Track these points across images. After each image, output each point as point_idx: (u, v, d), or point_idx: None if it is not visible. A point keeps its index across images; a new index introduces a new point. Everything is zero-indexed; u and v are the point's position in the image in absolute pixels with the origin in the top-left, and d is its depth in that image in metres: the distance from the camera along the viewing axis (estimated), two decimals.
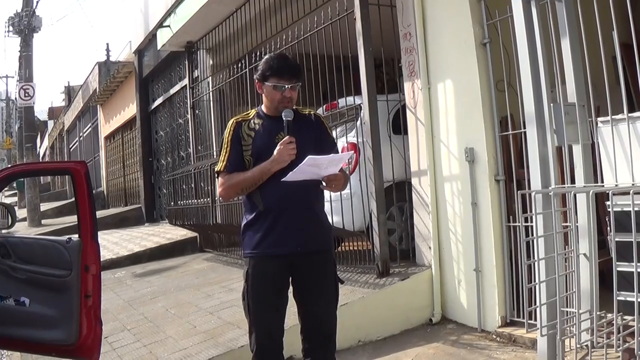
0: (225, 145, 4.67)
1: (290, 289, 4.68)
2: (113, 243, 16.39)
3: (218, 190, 4.73)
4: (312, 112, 4.91)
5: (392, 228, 8.66)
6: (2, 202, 15.59)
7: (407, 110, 8.21)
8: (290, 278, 4.64)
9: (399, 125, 8.69)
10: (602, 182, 5.34)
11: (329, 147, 4.74)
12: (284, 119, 4.51)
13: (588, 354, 5.36)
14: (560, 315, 5.22)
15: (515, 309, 6.88)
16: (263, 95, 4.71)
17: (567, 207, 5.51)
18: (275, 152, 4.43)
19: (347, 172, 4.80)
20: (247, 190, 4.57)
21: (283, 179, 4.32)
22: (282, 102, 4.59)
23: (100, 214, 21.88)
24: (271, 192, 4.51)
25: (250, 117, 4.76)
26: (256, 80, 4.73)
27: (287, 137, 4.44)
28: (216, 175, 4.78)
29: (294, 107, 4.62)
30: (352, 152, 8.01)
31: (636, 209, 4.63)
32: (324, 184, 4.52)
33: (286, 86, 4.56)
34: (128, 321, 8.52)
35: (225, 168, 4.63)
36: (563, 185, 5.57)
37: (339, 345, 4.84)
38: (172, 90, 17.98)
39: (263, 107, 4.76)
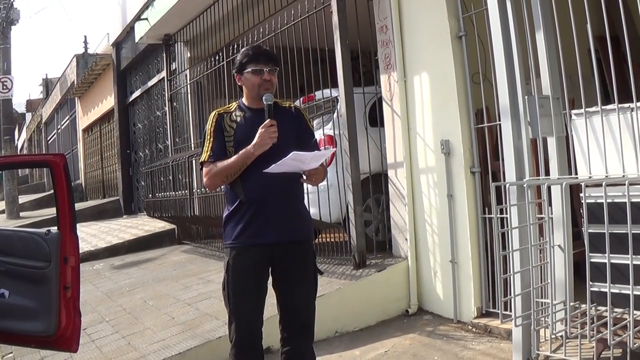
0: (208, 137, 4.70)
1: (270, 279, 4.72)
2: (91, 235, 16.35)
3: (203, 180, 4.74)
4: (292, 105, 4.97)
5: (368, 220, 8.72)
6: None
7: (384, 103, 8.25)
8: (270, 268, 4.69)
9: (375, 118, 8.74)
10: (577, 174, 5.39)
11: (309, 138, 4.80)
12: (264, 102, 4.54)
13: (562, 344, 5.41)
14: (534, 306, 5.27)
15: (491, 300, 6.94)
16: (244, 86, 4.76)
17: (542, 199, 5.56)
18: (257, 135, 4.46)
19: (324, 164, 4.84)
20: (231, 177, 4.59)
21: (265, 170, 4.35)
22: (262, 86, 4.63)
23: (78, 206, 21.64)
24: (253, 182, 4.55)
25: (232, 109, 4.80)
26: (235, 74, 4.79)
27: (268, 120, 4.48)
28: (200, 166, 4.80)
29: (273, 101, 4.63)
30: (335, 148, 8.03)
31: (609, 200, 4.69)
32: (304, 177, 4.57)
33: (265, 69, 4.62)
34: (107, 313, 8.52)
35: (209, 158, 4.66)
36: (537, 177, 5.62)
37: (316, 336, 4.86)
38: (150, 83, 17.97)
39: (244, 100, 4.82)
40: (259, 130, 4.46)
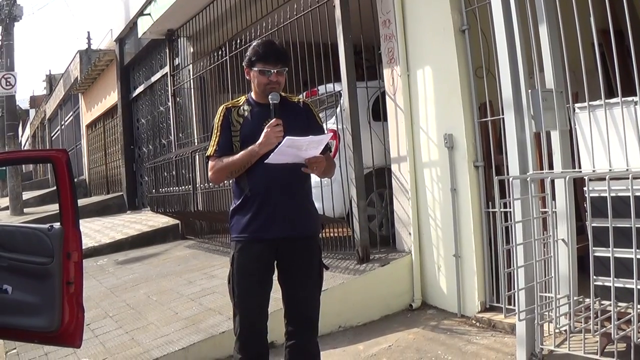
0: (216, 131, 4.72)
1: (275, 273, 4.72)
2: (95, 231, 16.36)
3: (208, 174, 4.76)
4: (300, 100, 4.97)
5: (372, 214, 8.69)
6: None
7: (387, 97, 8.23)
8: (276, 262, 4.68)
9: (378, 112, 8.70)
10: (580, 167, 5.37)
11: (317, 133, 4.74)
12: (270, 102, 4.54)
13: (566, 339, 5.39)
14: (538, 300, 5.25)
15: (495, 294, 6.92)
16: (252, 81, 4.76)
17: (545, 192, 5.54)
18: (262, 135, 4.45)
19: (330, 154, 4.84)
20: (236, 174, 4.60)
21: (266, 161, 4.35)
22: (268, 87, 4.62)
23: (82, 202, 21.81)
24: (258, 176, 4.55)
25: (240, 103, 4.81)
26: (245, 67, 4.78)
27: (274, 119, 4.46)
28: (206, 160, 4.82)
29: (282, 94, 4.65)
30: (331, 133, 8.01)
31: (612, 194, 4.67)
32: (306, 166, 4.53)
33: (272, 71, 4.60)
34: (110, 308, 8.53)
35: (215, 152, 4.67)
36: (540, 171, 5.60)
37: (320, 330, 4.83)
38: (153, 78, 17.93)
39: (252, 94, 4.81)
40: (265, 130, 4.45)
